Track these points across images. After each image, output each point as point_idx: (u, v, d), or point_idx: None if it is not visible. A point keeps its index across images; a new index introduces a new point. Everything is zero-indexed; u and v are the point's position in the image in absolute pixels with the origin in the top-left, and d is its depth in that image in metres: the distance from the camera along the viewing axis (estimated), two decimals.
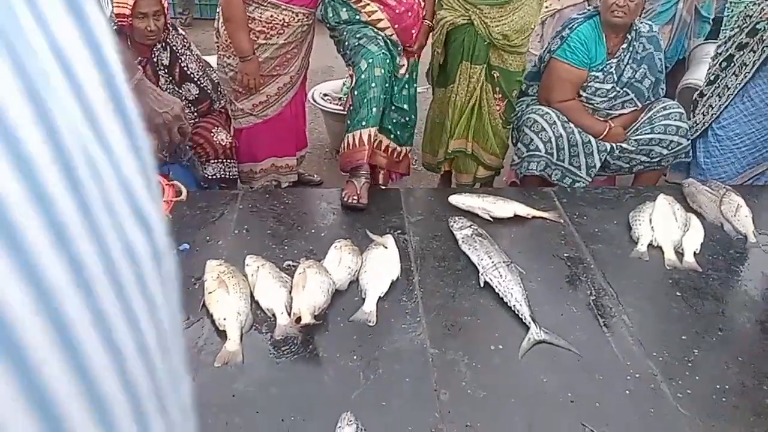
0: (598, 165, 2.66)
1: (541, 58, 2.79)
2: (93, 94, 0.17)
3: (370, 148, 2.38)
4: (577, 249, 2.12)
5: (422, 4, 2.53)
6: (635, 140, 2.68)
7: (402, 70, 2.51)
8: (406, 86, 2.57)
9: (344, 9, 2.43)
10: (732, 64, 2.70)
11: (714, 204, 2.35)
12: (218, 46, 2.59)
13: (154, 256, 0.19)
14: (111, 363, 0.16)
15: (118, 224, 0.17)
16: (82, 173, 0.16)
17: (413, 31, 2.50)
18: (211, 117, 2.65)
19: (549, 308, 1.81)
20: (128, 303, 0.17)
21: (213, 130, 2.59)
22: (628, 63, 2.63)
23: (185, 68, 2.49)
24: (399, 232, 2.15)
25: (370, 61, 2.31)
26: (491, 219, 2.23)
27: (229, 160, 2.65)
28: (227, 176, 2.66)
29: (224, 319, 1.66)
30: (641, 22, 2.64)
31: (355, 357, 1.62)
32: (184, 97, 2.53)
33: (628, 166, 2.75)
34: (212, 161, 2.60)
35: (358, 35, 2.39)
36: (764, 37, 2.57)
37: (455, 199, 2.32)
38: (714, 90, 2.79)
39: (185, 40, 2.52)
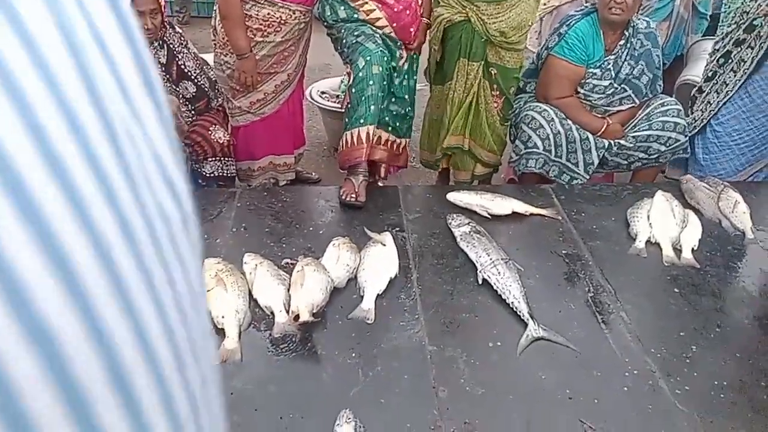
0: (596, 162, 2.66)
1: (539, 55, 2.79)
2: (126, 69, 0.19)
3: (368, 146, 2.38)
4: (575, 246, 2.12)
5: (420, 1, 2.53)
6: (633, 137, 2.68)
7: (401, 62, 2.51)
8: (406, 77, 2.58)
9: (342, 7, 2.42)
10: (730, 61, 2.70)
11: (712, 200, 2.35)
12: (215, 44, 2.58)
13: (184, 222, 0.21)
14: (157, 320, 0.18)
15: (153, 190, 0.19)
16: (124, 142, 0.18)
17: (411, 29, 2.50)
18: (208, 115, 2.64)
19: (547, 305, 1.82)
20: (166, 262, 0.19)
21: (210, 128, 2.59)
22: (625, 60, 2.63)
23: (182, 66, 2.48)
24: (397, 229, 2.15)
25: (368, 58, 2.31)
26: (489, 216, 2.24)
27: (226, 158, 2.65)
28: (225, 174, 2.66)
29: (222, 317, 1.66)
30: (639, 19, 2.64)
31: (353, 354, 1.62)
32: (181, 96, 2.52)
33: (626, 162, 2.75)
34: (210, 159, 2.60)
35: (356, 33, 2.39)
36: (761, 33, 2.57)
37: (453, 197, 2.32)
38: (712, 86, 2.78)
39: (182, 38, 2.51)
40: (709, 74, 2.80)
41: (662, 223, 2.16)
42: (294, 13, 2.46)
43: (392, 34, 2.44)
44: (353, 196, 2.29)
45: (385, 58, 2.34)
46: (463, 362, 1.61)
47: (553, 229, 2.21)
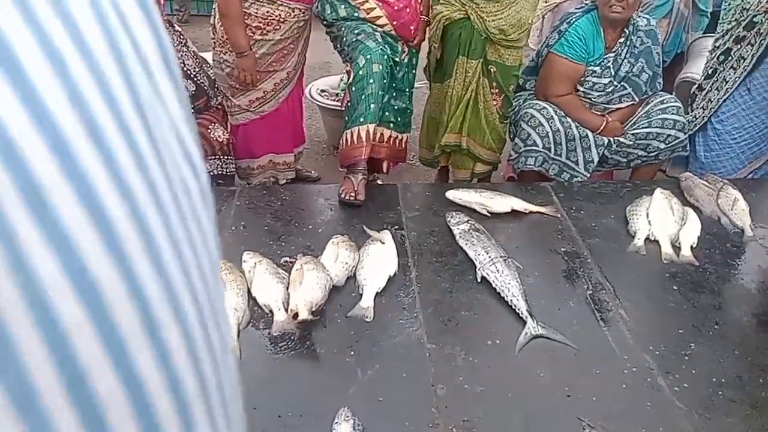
0: (596, 160, 2.66)
1: (539, 53, 2.79)
2: (147, 47, 0.20)
3: (367, 144, 2.38)
4: (574, 243, 2.12)
5: None
6: (633, 134, 2.68)
7: (403, 56, 2.52)
8: (407, 70, 2.58)
9: (342, 6, 2.42)
10: (730, 58, 2.69)
11: (711, 198, 2.35)
12: (214, 43, 2.58)
13: (203, 195, 0.22)
14: (183, 281, 0.19)
15: (174, 161, 0.20)
16: (150, 116, 0.19)
17: (411, 27, 2.50)
18: (207, 113, 2.65)
19: (546, 303, 1.82)
20: (189, 230, 0.20)
21: (210, 127, 2.59)
22: (625, 57, 2.63)
23: (181, 65, 2.49)
24: (396, 227, 2.15)
25: (368, 57, 2.31)
26: (488, 214, 2.24)
27: (226, 157, 2.65)
28: (224, 173, 2.66)
29: None
30: (639, 16, 2.64)
31: (352, 353, 1.63)
32: None
33: (625, 160, 2.75)
34: (209, 158, 2.60)
35: (356, 31, 2.39)
36: (762, 30, 2.57)
37: (452, 195, 2.32)
38: (713, 84, 2.78)
39: (182, 37, 2.51)
40: (710, 72, 2.80)
41: (661, 221, 2.16)
42: (293, 11, 2.46)
43: (392, 32, 2.44)
44: (352, 194, 2.29)
45: (386, 57, 2.34)
46: (462, 360, 1.62)
47: (552, 227, 2.21)
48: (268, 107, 2.67)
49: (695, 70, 3.15)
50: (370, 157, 2.51)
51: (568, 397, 1.52)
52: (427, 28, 2.64)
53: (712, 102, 2.79)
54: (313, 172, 3.31)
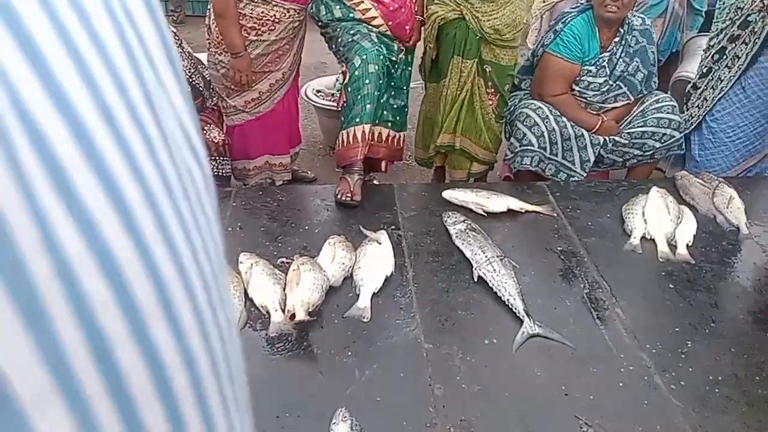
0: (592, 159, 2.66)
1: (534, 52, 2.79)
2: (151, 40, 0.21)
3: (363, 145, 2.38)
4: (571, 242, 2.12)
5: None
6: (628, 133, 2.69)
7: (400, 54, 2.52)
8: (403, 67, 2.59)
9: (338, 7, 2.42)
10: (724, 57, 2.70)
11: (706, 196, 2.36)
12: (209, 43, 2.58)
13: (206, 182, 0.23)
14: (192, 261, 0.20)
15: (179, 149, 0.21)
16: (157, 105, 0.20)
17: (407, 27, 2.50)
18: (203, 114, 2.64)
19: (543, 302, 1.82)
20: (195, 215, 0.21)
21: (205, 128, 2.59)
22: (620, 56, 2.63)
23: None
24: (393, 227, 2.15)
25: (364, 57, 2.31)
26: (485, 214, 2.24)
27: (221, 158, 2.65)
28: (220, 174, 2.66)
29: None
30: (634, 16, 2.64)
31: (349, 353, 1.63)
32: None
33: (621, 160, 2.76)
34: None
35: (351, 32, 2.39)
36: (756, 29, 2.57)
37: (449, 194, 2.32)
38: (708, 83, 2.79)
39: (176, 38, 2.51)
40: (704, 70, 2.81)
41: (657, 219, 2.17)
42: (288, 12, 2.45)
43: (388, 33, 2.45)
44: (349, 195, 2.29)
45: (381, 57, 2.34)
46: (459, 360, 1.62)
47: (549, 226, 2.21)
48: (264, 108, 2.66)
49: (690, 69, 3.16)
50: (369, 157, 2.51)
51: (565, 396, 1.52)
52: (422, 28, 2.64)
53: (707, 101, 2.79)
54: (309, 172, 3.30)
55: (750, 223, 2.23)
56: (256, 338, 1.66)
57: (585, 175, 2.69)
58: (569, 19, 2.62)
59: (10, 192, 0.14)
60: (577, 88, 2.68)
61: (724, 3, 2.73)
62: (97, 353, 0.16)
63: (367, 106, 2.34)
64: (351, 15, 2.41)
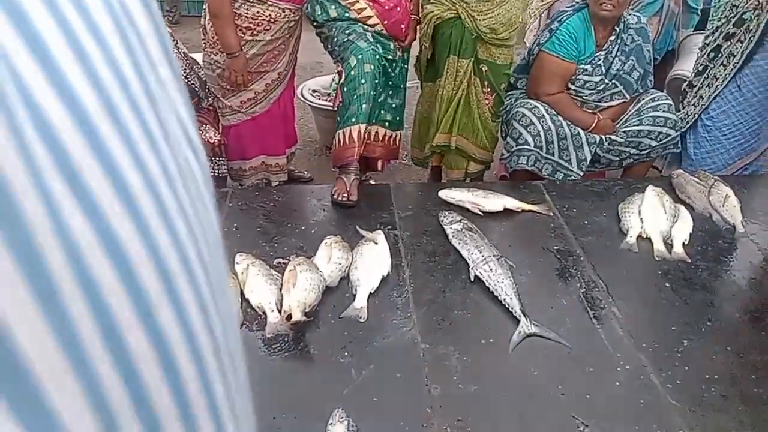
0: (589, 158, 2.67)
1: (530, 51, 2.79)
2: (149, 39, 0.21)
3: (359, 145, 2.38)
4: (567, 242, 2.12)
5: None
6: (624, 132, 2.69)
7: (398, 53, 2.52)
8: (399, 64, 2.59)
9: (333, 6, 2.42)
10: (720, 55, 2.71)
11: (702, 194, 2.36)
12: (205, 43, 2.57)
13: (203, 174, 0.24)
14: (194, 250, 0.20)
15: (177, 141, 0.22)
16: (157, 102, 0.20)
17: (402, 26, 2.50)
18: (199, 115, 2.63)
19: (539, 301, 1.82)
20: (195, 205, 0.21)
21: (201, 128, 2.58)
22: (616, 55, 2.63)
23: None
24: (389, 227, 2.15)
25: (360, 57, 2.30)
26: (481, 213, 2.24)
27: (217, 158, 2.64)
28: (216, 174, 2.65)
29: None
30: (629, 14, 2.64)
31: (346, 353, 1.62)
32: None
33: (617, 159, 2.76)
34: None
35: (347, 31, 2.38)
36: (751, 27, 2.58)
37: (445, 194, 2.32)
38: (703, 81, 2.79)
39: (172, 38, 2.50)
40: (700, 68, 2.81)
41: (653, 218, 2.17)
42: (283, 12, 2.45)
43: (384, 32, 2.44)
44: (345, 195, 2.29)
45: (377, 56, 2.34)
46: (456, 359, 1.62)
47: (545, 226, 2.21)
48: (260, 108, 2.66)
49: (686, 67, 3.16)
50: (365, 156, 2.51)
51: (561, 395, 1.52)
52: (418, 27, 2.64)
53: (702, 99, 2.80)
54: (305, 172, 3.30)
55: (746, 222, 2.23)
56: (252, 339, 1.66)
57: (582, 174, 2.69)
58: (565, 17, 2.62)
59: (20, 173, 0.15)
60: (572, 87, 2.68)
61: (719, 1, 2.73)
62: (105, 331, 0.16)
63: (363, 105, 2.34)
64: (346, 14, 2.41)
